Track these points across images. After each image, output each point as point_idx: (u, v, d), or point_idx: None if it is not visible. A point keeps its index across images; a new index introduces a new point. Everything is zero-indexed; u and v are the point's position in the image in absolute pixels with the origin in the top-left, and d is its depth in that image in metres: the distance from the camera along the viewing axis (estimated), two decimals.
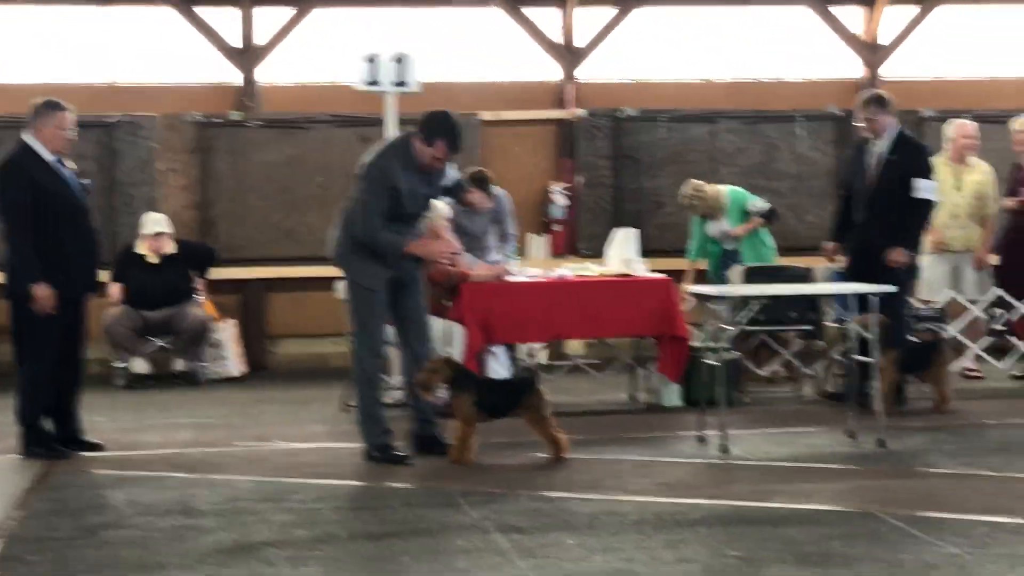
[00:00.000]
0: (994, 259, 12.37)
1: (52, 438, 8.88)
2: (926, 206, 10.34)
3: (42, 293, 8.66)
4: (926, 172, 10.34)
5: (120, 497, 7.57)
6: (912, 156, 10.31)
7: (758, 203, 12.21)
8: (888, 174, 10.27)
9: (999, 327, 11.97)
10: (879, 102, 10.26)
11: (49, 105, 8.85)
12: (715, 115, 14.68)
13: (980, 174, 12.33)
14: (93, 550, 6.33)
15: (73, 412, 9.03)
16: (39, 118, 8.82)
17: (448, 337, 10.42)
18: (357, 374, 8.75)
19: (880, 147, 10.35)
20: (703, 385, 9.37)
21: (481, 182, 11.34)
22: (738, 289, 10.05)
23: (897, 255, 10.12)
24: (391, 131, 11.76)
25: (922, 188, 10.23)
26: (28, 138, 8.82)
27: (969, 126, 12.40)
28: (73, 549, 6.35)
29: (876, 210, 10.26)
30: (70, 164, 9.07)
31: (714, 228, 12.25)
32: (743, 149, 14.70)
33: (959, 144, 12.33)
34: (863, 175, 10.39)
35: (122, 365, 12.75)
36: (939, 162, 12.49)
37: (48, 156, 8.79)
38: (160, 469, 8.40)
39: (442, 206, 10.88)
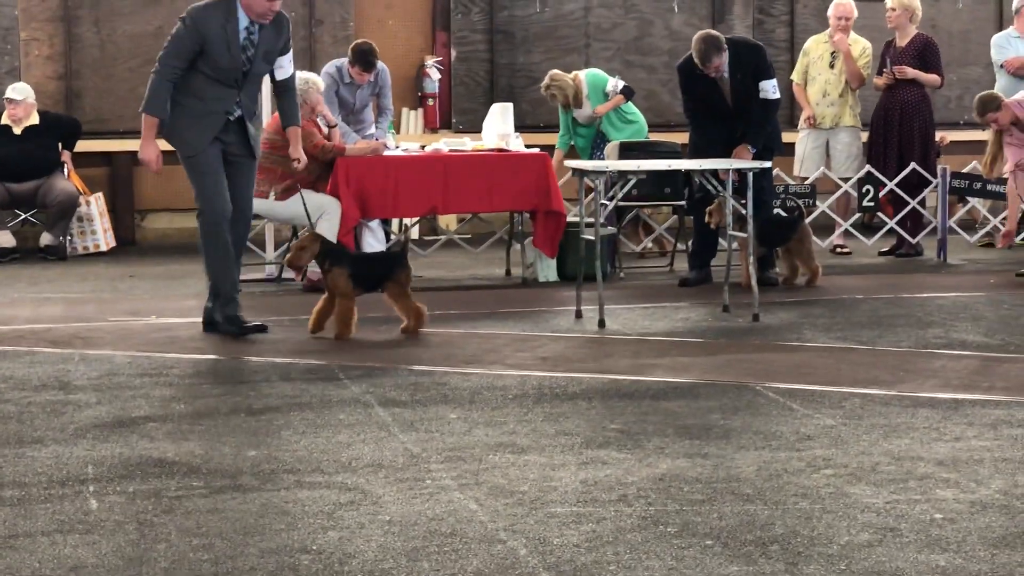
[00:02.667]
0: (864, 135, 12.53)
1: None
2: (773, 105, 10.44)
3: None
4: (768, 72, 10.42)
5: None
6: (751, 60, 10.35)
7: (617, 83, 12.19)
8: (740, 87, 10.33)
9: (868, 203, 12.14)
10: (718, 48, 10.18)
11: None
12: None
13: (856, 51, 12.41)
14: None
15: None
16: None
17: (323, 211, 10.32)
18: (200, 241, 8.58)
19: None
20: (579, 260, 9.40)
21: (367, 54, 11.20)
22: (616, 164, 10.06)
23: (741, 152, 10.29)
24: None
25: (767, 89, 10.33)
26: None
27: (846, 6, 12.47)
28: None
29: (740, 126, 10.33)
30: None
31: (580, 115, 12.23)
32: (618, 24, 14.64)
33: (833, 22, 12.42)
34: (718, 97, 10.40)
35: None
36: (818, 39, 12.59)
37: None
38: (31, 344, 8.25)
39: (316, 78, 10.73)
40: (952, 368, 7.38)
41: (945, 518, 4.73)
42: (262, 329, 8.57)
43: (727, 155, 10.20)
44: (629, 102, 12.22)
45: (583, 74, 12.28)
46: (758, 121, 10.37)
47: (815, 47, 12.55)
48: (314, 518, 4.82)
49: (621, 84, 12.19)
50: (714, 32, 10.45)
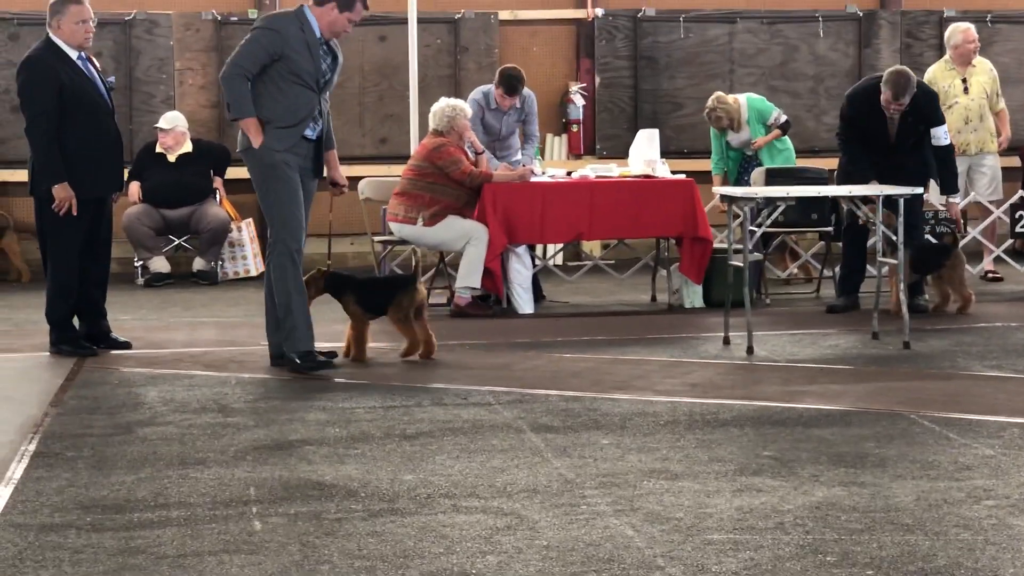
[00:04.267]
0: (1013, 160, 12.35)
1: (79, 336, 8.90)
2: (949, 150, 10.53)
3: (62, 194, 8.63)
4: (940, 118, 10.48)
5: (153, 395, 7.60)
6: (926, 104, 10.32)
7: (780, 116, 12.15)
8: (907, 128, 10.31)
9: (1021, 229, 11.95)
10: (912, 87, 10.12)
11: (63, 1, 8.74)
12: (734, 15, 14.57)
13: (984, 73, 12.26)
14: (131, 446, 6.37)
15: (100, 310, 9.05)
16: (57, 14, 8.72)
17: (471, 236, 10.41)
18: (277, 272, 8.25)
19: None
20: (725, 286, 9.38)
21: (512, 78, 11.28)
22: (763, 190, 10.03)
23: (952, 207, 10.79)
24: (413, 29, 11.70)
25: (940, 136, 10.39)
26: (52, 35, 8.75)
27: (971, 30, 12.29)
28: (111, 446, 6.39)
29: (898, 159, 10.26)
30: (96, 62, 9.01)
31: (735, 139, 12.22)
32: (762, 50, 14.60)
33: (964, 49, 12.22)
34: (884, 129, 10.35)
35: (142, 264, 12.77)
36: (942, 68, 12.35)
37: (72, 53, 8.73)
38: (189, 367, 8.43)
39: (464, 104, 10.85)
40: None
41: None
42: (331, 363, 8.33)
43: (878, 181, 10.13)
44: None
45: (742, 98, 12.26)
46: (948, 169, 10.49)
47: (942, 76, 12.24)
48: (472, 542, 4.87)
49: (784, 118, 12.16)
50: (908, 70, 10.34)
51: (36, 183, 8.80)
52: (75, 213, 8.67)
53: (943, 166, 10.41)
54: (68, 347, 8.81)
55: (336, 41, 8.35)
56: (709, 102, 12.15)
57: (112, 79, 9.39)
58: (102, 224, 8.95)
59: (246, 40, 8.20)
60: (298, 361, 8.16)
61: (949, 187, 10.49)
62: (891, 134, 10.28)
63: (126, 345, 9.00)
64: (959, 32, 12.31)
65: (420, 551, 4.77)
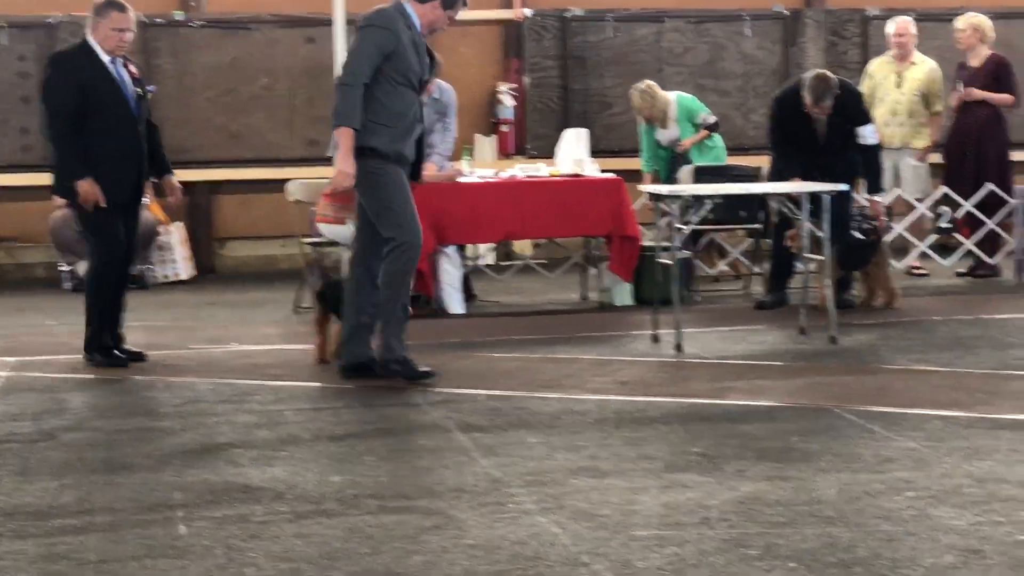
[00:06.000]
0: (935, 157, 12.48)
1: (110, 346, 8.68)
2: (875, 149, 10.62)
3: (86, 188, 8.38)
4: (866, 117, 10.62)
5: (79, 400, 7.55)
6: (852, 105, 10.44)
7: (708, 117, 12.22)
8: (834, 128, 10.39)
9: (945, 225, 12.08)
10: (833, 90, 10.20)
11: (106, 5, 8.52)
12: (661, 14, 14.64)
13: (923, 72, 12.39)
14: (56, 452, 6.33)
15: (118, 320, 8.83)
16: (98, 16, 8.52)
17: None
18: (393, 276, 7.77)
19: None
20: (655, 284, 9.43)
21: None
22: (690, 188, 10.09)
23: (875, 206, 10.66)
24: (339, 30, 11.68)
25: (866, 134, 10.47)
26: (88, 35, 8.59)
27: (904, 24, 12.46)
28: (35, 452, 6.34)
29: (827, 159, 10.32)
30: (133, 68, 8.77)
31: (664, 136, 12.26)
32: (690, 49, 14.69)
33: (895, 42, 12.41)
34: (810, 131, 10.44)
35: (68, 268, 12.66)
36: (882, 61, 12.58)
37: (104, 56, 8.54)
38: (117, 372, 8.37)
39: None
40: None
41: None
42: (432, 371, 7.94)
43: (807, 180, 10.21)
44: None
45: (673, 95, 12.30)
46: (872, 168, 10.57)
47: (879, 68, 12.52)
48: (399, 542, 4.87)
49: (712, 119, 12.22)
50: (828, 73, 10.42)
51: (58, 182, 8.59)
52: (103, 205, 8.43)
53: (868, 165, 10.50)
54: (100, 356, 8.65)
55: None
56: (641, 84, 12.16)
57: (153, 88, 9.16)
58: (126, 232, 8.71)
59: (358, 41, 7.75)
60: (399, 368, 7.83)
61: (873, 186, 10.57)
62: (819, 134, 10.36)
63: (140, 356, 8.79)
64: (890, 24, 12.49)
65: (346, 552, 4.77)
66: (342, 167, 7.68)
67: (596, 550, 4.74)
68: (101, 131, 8.47)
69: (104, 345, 8.65)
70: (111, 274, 8.60)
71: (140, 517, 5.24)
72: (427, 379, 7.79)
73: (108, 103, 8.50)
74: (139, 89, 8.68)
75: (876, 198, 10.58)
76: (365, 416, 7.04)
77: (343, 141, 7.67)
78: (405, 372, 7.80)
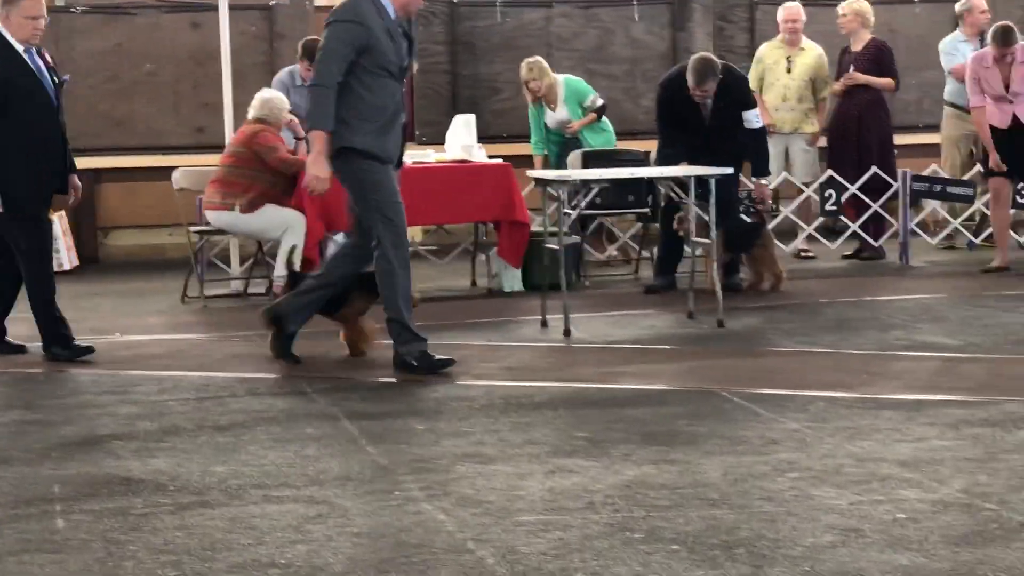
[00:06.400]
0: (824, 141, 12.61)
1: (70, 336, 8.45)
2: (760, 132, 10.67)
3: None
4: (751, 102, 10.67)
5: None
6: (737, 88, 10.49)
7: (596, 100, 12.25)
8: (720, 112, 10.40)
9: (831, 207, 12.20)
10: (714, 73, 10.24)
11: None
12: (551, 0, 14.64)
13: (811, 57, 12.52)
14: None
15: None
16: (6, 6, 8.15)
17: (288, 225, 10.33)
18: (383, 273, 7.71)
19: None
20: (544, 270, 9.44)
21: (315, 49, 11.14)
22: (577, 173, 10.10)
23: (761, 190, 10.67)
24: (224, 16, 11.56)
25: (751, 119, 10.50)
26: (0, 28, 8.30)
27: (794, 9, 12.58)
28: None
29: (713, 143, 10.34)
30: (47, 57, 8.52)
31: (551, 118, 12.28)
32: (579, 34, 14.70)
33: (784, 28, 12.54)
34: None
35: None
36: (771, 46, 12.70)
37: (18, 46, 8.28)
38: None
39: (278, 93, 10.76)
40: (914, 369, 7.44)
41: (908, 518, 4.77)
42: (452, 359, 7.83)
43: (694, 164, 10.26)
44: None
45: (561, 77, 12.32)
46: (758, 152, 10.60)
47: (769, 53, 12.64)
48: (282, 532, 4.83)
49: (600, 102, 12.24)
50: (711, 56, 10.47)
51: None
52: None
53: (754, 149, 10.56)
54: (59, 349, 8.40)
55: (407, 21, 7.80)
56: (528, 59, 12.16)
57: (67, 77, 8.94)
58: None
59: (327, 38, 7.56)
60: (415, 364, 7.69)
61: (759, 169, 10.63)
62: (705, 118, 10.42)
63: (21, 349, 8.62)
64: (781, 10, 12.62)
65: (229, 543, 4.72)
66: (315, 171, 7.56)
67: (481, 536, 4.74)
68: (22, 124, 8.23)
69: (66, 336, 8.47)
70: (46, 264, 8.47)
71: (17, 512, 5.15)
72: (447, 367, 7.67)
73: (28, 95, 8.25)
74: (55, 79, 8.48)
75: (762, 181, 10.65)
76: (251, 405, 6.97)
77: (316, 144, 7.55)
78: (422, 364, 7.65)
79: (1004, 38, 10.84)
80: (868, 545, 4.50)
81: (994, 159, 11.09)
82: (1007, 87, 10.96)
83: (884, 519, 4.77)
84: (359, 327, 8.32)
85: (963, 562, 4.30)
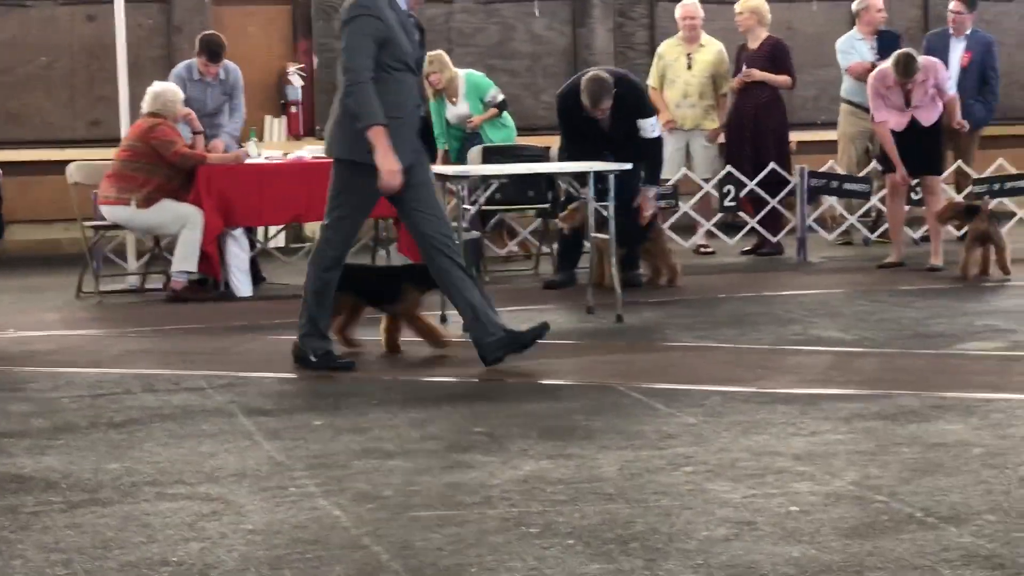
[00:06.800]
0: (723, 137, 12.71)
1: None
2: (655, 142, 10.51)
3: None
4: (647, 111, 10.49)
5: None
6: (633, 99, 10.38)
7: (497, 95, 12.25)
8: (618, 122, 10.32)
9: (729, 203, 12.30)
10: (608, 92, 10.18)
11: None
12: None
13: (711, 54, 12.61)
14: None
15: None
16: None
17: (185, 220, 10.25)
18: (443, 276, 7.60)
19: None
20: None
21: (212, 44, 11.10)
22: (475, 169, 10.11)
23: (645, 201, 10.38)
24: (120, 9, 11.43)
25: (647, 127, 10.35)
26: None
27: (692, 7, 12.67)
28: None
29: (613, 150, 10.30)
30: None
31: (452, 113, 12.27)
32: (480, 29, 14.71)
33: (683, 25, 12.62)
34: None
35: None
36: (671, 43, 12.78)
37: None
38: None
39: (173, 86, 10.67)
40: (809, 364, 7.52)
41: (800, 510, 4.82)
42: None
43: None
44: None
45: (462, 72, 12.31)
46: (651, 161, 10.42)
47: (669, 50, 12.73)
48: (175, 530, 4.79)
49: (501, 98, 12.24)
50: (604, 75, 10.36)
51: None
52: None
53: (647, 157, 10.37)
54: None
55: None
56: (431, 53, 12.15)
57: None
58: None
59: (349, 35, 7.30)
60: (313, 359, 7.58)
61: (650, 178, 10.44)
62: (604, 128, 10.36)
63: None
64: (678, 8, 12.71)
65: (121, 541, 4.66)
66: (388, 166, 7.30)
67: (376, 531, 4.72)
68: None
69: None
70: None
71: None
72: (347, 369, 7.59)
73: None
74: None
75: (649, 192, 10.41)
76: (147, 402, 6.90)
77: (378, 140, 7.26)
78: (321, 362, 7.56)
79: (906, 70, 10.91)
80: (761, 538, 4.53)
81: (901, 173, 11.19)
82: (908, 101, 11.09)
83: (777, 512, 4.81)
84: (423, 325, 8.04)
85: (853, 554, 4.35)
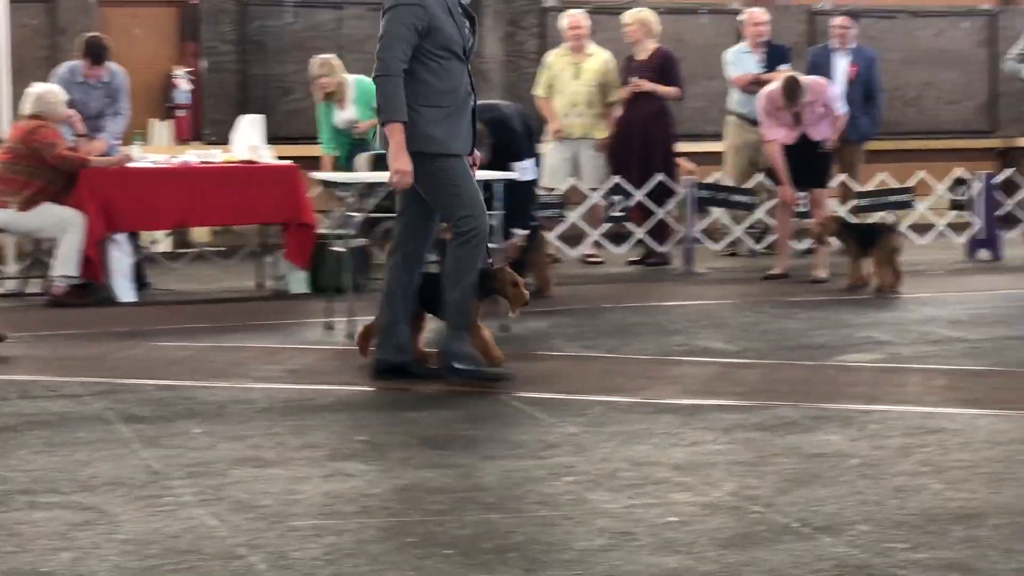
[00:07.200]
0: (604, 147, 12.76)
1: None
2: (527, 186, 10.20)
3: None
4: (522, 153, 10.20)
5: None
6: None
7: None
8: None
9: (617, 213, 12.36)
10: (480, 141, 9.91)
11: None
12: (341, 2, 14.57)
13: (599, 63, 12.67)
14: None
15: None
16: None
17: (67, 225, 10.10)
18: (458, 266, 7.30)
19: None
20: (330, 272, 9.37)
21: (95, 46, 10.94)
22: (361, 176, 10.05)
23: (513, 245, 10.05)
24: (4, 9, 11.24)
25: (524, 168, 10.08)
26: None
27: (577, 17, 12.73)
28: None
29: None
30: None
31: (340, 117, 12.20)
32: (371, 36, 14.52)
33: (569, 35, 12.68)
34: None
35: None
36: (558, 53, 12.82)
37: None
38: None
39: (54, 88, 10.52)
40: (692, 374, 7.56)
41: (679, 521, 4.84)
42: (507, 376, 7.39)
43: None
44: None
45: (352, 78, 12.23)
46: (519, 204, 9.84)
47: (556, 60, 12.77)
48: (47, 539, 4.70)
49: None
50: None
51: None
52: None
53: (518, 200, 9.71)
54: None
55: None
56: (320, 56, 12.07)
57: None
58: None
59: (387, 22, 7.06)
60: (467, 369, 7.28)
61: (518, 222, 9.95)
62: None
63: None
64: (564, 18, 12.77)
65: None
66: (397, 165, 7.12)
67: (252, 542, 4.67)
68: None
69: None
70: None
71: None
72: (503, 381, 7.29)
73: None
74: None
75: (516, 237, 10.06)
76: (23, 409, 6.77)
77: (394, 137, 7.08)
78: (475, 374, 7.29)
79: (791, 95, 11.03)
80: (639, 548, 4.55)
81: (787, 192, 11.31)
82: (798, 120, 11.21)
83: (656, 522, 4.83)
84: (479, 338, 7.57)
85: (729, 564, 4.37)
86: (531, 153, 10.37)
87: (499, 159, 9.93)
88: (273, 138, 11.80)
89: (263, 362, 7.97)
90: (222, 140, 12.99)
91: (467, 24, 7.29)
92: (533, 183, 10.47)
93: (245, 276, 11.53)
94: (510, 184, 9.61)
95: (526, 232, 10.28)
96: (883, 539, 4.60)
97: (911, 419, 6.39)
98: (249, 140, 10.99)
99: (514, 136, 10.24)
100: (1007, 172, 14.14)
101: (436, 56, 7.12)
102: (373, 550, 4.57)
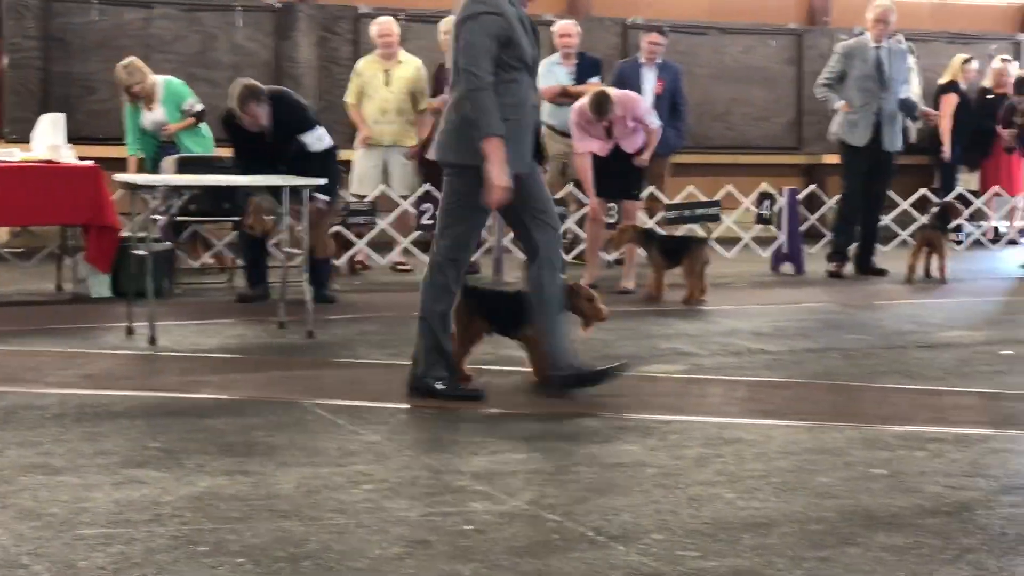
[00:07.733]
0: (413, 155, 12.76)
1: None
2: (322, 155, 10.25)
3: None
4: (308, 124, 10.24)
5: None
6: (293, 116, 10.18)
7: (195, 104, 12.04)
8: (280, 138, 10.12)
9: (427, 221, 12.32)
10: (256, 97, 10.03)
11: None
12: (150, 1, 14.33)
13: (410, 70, 12.64)
14: None
15: None
16: None
17: None
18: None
19: None
20: (132, 276, 9.18)
21: None
22: (164, 179, 9.89)
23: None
24: None
25: (311, 141, 10.17)
26: None
27: (387, 24, 12.70)
28: None
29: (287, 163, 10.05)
30: None
31: (148, 119, 11.99)
32: (181, 37, 14.44)
33: (379, 42, 12.66)
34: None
35: None
36: (369, 59, 12.78)
37: None
38: None
39: None
40: (497, 384, 7.54)
41: (475, 529, 4.81)
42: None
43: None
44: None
45: (162, 79, 12.03)
46: (320, 174, 9.80)
47: (367, 67, 12.73)
48: None
49: (199, 107, 12.01)
50: (251, 83, 10.21)
51: None
52: None
53: (316, 170, 9.75)
54: None
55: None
56: (125, 60, 11.85)
57: None
58: None
59: (469, 33, 6.72)
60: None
61: (321, 188, 9.80)
62: (273, 144, 10.12)
63: None
64: (374, 26, 12.72)
65: None
66: (500, 181, 6.73)
67: (37, 550, 4.52)
68: None
69: None
70: None
71: None
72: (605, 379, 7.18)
73: None
74: None
75: (319, 202, 10.10)
76: None
77: (493, 152, 6.70)
78: (587, 378, 7.20)
79: (599, 110, 11.11)
80: (434, 556, 4.51)
81: (594, 203, 11.42)
82: (609, 133, 11.32)
83: (452, 531, 4.80)
84: (538, 355, 7.35)
85: (524, 572, 4.36)
86: (317, 121, 10.36)
87: (290, 133, 9.99)
88: (76, 138, 11.54)
89: (58, 367, 7.77)
90: (22, 139, 12.68)
91: (532, 36, 7.04)
92: (333, 148, 10.42)
93: (44, 278, 11.26)
94: (314, 155, 9.61)
95: (327, 199, 10.26)
96: (675, 547, 4.63)
97: (710, 429, 6.46)
98: (50, 139, 10.73)
99: (299, 109, 10.30)
100: (810, 188, 14.47)
101: (510, 67, 6.83)
102: (162, 559, 4.46)
